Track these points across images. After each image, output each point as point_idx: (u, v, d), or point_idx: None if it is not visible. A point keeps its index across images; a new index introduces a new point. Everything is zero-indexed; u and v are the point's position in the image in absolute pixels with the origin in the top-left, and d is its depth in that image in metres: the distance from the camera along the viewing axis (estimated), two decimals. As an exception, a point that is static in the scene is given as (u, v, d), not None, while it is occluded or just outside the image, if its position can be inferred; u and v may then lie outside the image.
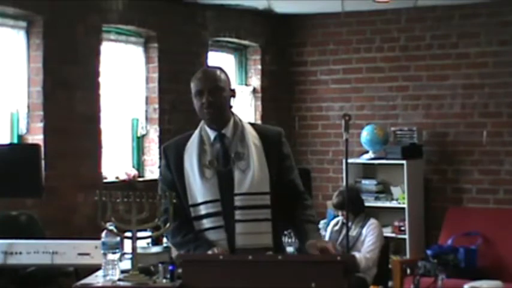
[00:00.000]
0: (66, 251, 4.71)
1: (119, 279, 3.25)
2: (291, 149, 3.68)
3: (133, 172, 7.01)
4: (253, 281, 3.12)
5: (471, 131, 7.82)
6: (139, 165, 7.20)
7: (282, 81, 8.56)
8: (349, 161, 6.70)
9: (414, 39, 8.06)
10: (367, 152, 7.93)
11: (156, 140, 7.14)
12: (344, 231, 6.15)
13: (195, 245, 3.44)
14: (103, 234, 3.32)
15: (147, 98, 7.21)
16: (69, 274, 5.14)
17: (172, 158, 3.57)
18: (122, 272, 3.30)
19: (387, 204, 7.82)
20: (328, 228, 6.47)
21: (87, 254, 4.66)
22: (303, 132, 8.57)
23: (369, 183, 7.93)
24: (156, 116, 7.19)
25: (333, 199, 6.51)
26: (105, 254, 3.30)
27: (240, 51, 8.37)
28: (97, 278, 3.32)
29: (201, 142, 3.54)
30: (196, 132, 3.58)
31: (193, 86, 3.53)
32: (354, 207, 6.27)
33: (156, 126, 7.19)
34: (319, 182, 8.29)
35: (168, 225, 3.34)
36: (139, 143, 7.23)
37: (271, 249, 3.47)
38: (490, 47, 7.74)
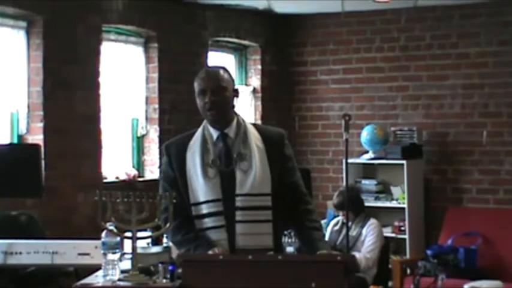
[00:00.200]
0: (66, 251, 4.71)
1: (119, 279, 3.25)
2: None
3: (133, 172, 7.01)
4: (253, 281, 3.12)
5: (471, 131, 7.82)
6: (139, 165, 7.20)
7: (282, 81, 8.55)
8: (349, 161, 6.69)
9: (414, 39, 8.06)
10: (367, 152, 7.92)
11: (156, 140, 7.14)
12: (344, 231, 6.14)
13: (196, 245, 3.43)
14: (103, 234, 3.32)
15: (147, 98, 7.21)
16: (69, 274, 5.13)
17: (174, 156, 3.55)
18: (122, 272, 3.30)
19: (387, 204, 7.81)
20: (328, 228, 6.46)
21: (87, 254, 4.66)
22: (303, 132, 8.56)
23: (369, 183, 7.93)
24: (156, 116, 7.19)
25: (333, 199, 6.50)
26: (105, 254, 3.30)
27: (240, 51, 8.37)
28: (97, 278, 3.32)
29: (204, 141, 3.53)
30: (199, 131, 3.57)
31: (196, 85, 3.53)
32: (354, 207, 6.26)
33: (156, 126, 7.18)
34: (319, 182, 8.28)
35: (168, 225, 3.34)
36: (139, 143, 7.22)
37: (272, 250, 3.47)
38: (490, 47, 7.74)
